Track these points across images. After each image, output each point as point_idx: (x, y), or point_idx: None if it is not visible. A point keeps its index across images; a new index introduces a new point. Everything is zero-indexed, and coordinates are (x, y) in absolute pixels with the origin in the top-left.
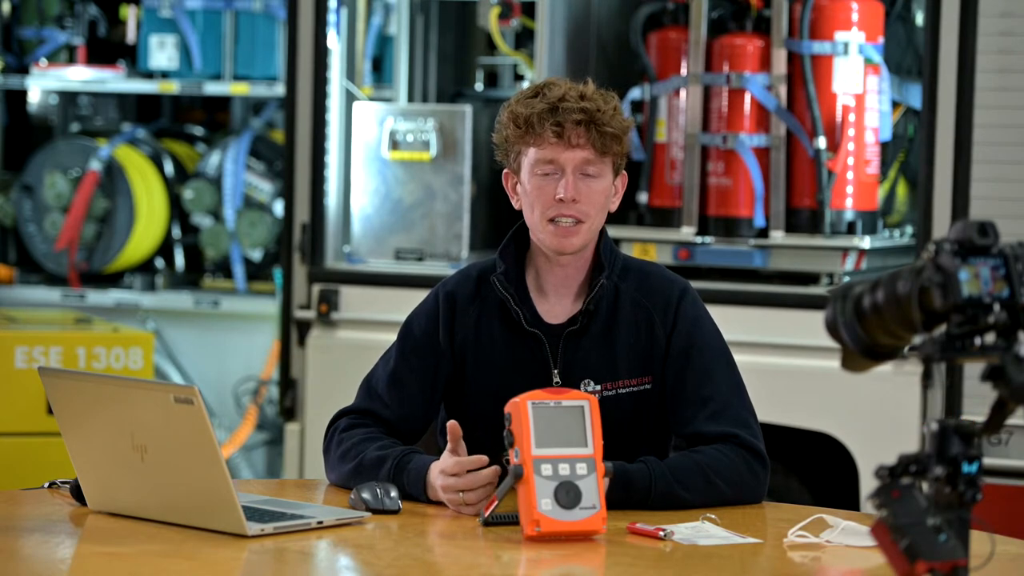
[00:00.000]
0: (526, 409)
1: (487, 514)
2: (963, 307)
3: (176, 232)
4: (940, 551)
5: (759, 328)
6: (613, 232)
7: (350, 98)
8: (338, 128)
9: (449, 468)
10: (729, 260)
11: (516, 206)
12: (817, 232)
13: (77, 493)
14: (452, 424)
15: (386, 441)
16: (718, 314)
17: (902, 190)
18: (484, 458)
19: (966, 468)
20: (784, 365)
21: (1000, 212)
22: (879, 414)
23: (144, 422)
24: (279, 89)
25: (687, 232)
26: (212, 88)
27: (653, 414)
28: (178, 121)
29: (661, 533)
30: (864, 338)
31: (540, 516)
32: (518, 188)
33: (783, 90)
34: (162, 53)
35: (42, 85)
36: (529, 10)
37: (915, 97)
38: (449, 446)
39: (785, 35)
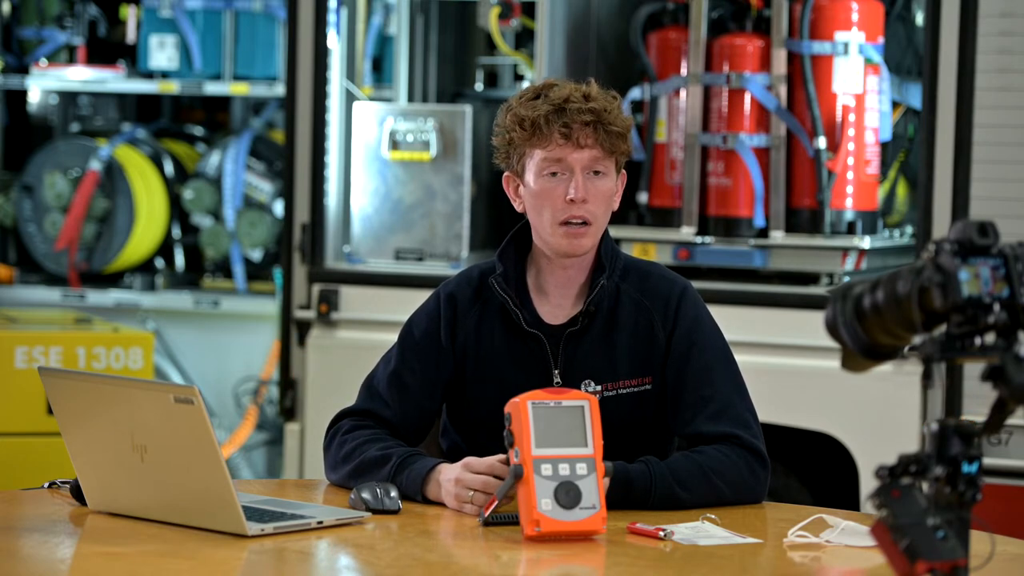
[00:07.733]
0: (526, 409)
1: (487, 514)
2: (963, 307)
3: (176, 232)
4: (940, 551)
5: (759, 328)
6: (613, 232)
7: (350, 98)
8: (338, 128)
9: (480, 466)
10: (729, 260)
11: (519, 209)
12: (817, 232)
13: (77, 493)
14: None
15: (390, 442)
16: (718, 314)
17: (902, 190)
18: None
19: (966, 468)
20: (784, 365)
21: (1000, 212)
22: (879, 414)
23: (144, 422)
24: (279, 89)
25: (687, 232)
26: (212, 88)
27: (653, 414)
28: (178, 121)
29: (661, 533)
30: (864, 338)
31: (540, 516)
32: (521, 191)
33: (783, 90)
34: (162, 53)
35: (42, 85)
36: (529, 10)
37: (915, 97)
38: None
39: (785, 35)
